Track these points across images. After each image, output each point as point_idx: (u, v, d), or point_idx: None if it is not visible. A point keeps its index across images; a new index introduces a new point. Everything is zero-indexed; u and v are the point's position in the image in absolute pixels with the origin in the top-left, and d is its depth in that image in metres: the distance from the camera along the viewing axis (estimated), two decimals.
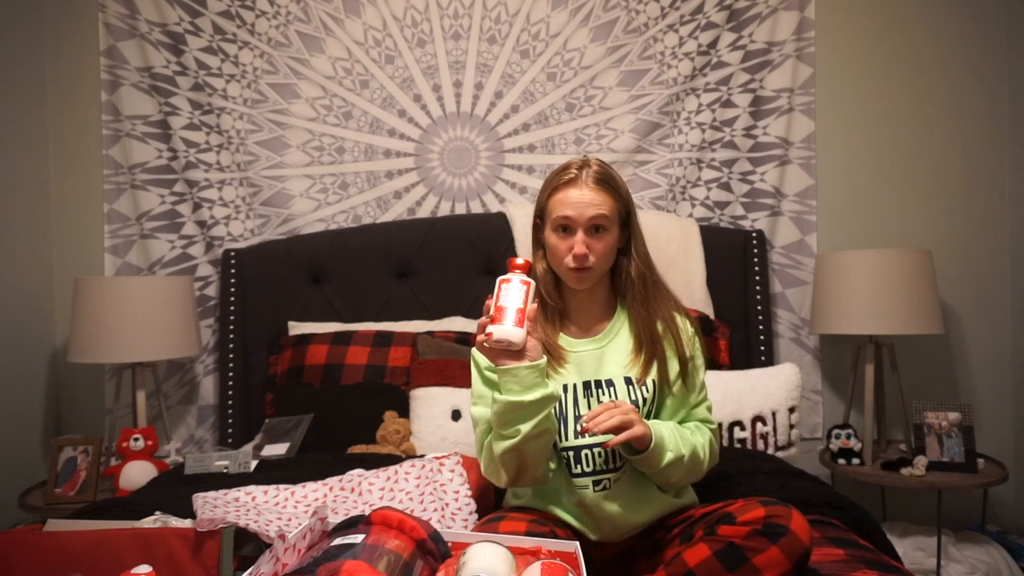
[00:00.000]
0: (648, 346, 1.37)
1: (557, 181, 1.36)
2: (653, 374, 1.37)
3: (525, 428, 1.24)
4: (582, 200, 1.32)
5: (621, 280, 1.41)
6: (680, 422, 1.41)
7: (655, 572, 1.27)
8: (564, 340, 1.40)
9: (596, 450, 1.34)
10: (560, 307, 1.42)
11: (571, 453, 1.35)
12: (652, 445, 1.26)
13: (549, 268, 1.41)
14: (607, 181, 1.35)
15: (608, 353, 1.39)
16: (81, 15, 2.57)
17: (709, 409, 1.45)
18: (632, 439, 1.23)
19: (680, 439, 1.32)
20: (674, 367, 1.39)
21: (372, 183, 2.62)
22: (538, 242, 1.43)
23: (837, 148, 2.61)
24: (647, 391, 1.37)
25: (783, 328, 2.61)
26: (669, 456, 1.29)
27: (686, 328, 1.42)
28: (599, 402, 1.36)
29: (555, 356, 1.37)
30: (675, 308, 1.43)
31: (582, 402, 1.36)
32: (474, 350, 1.42)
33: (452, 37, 2.61)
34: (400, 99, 2.61)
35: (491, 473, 1.36)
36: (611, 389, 1.37)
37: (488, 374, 1.38)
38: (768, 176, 2.60)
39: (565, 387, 1.37)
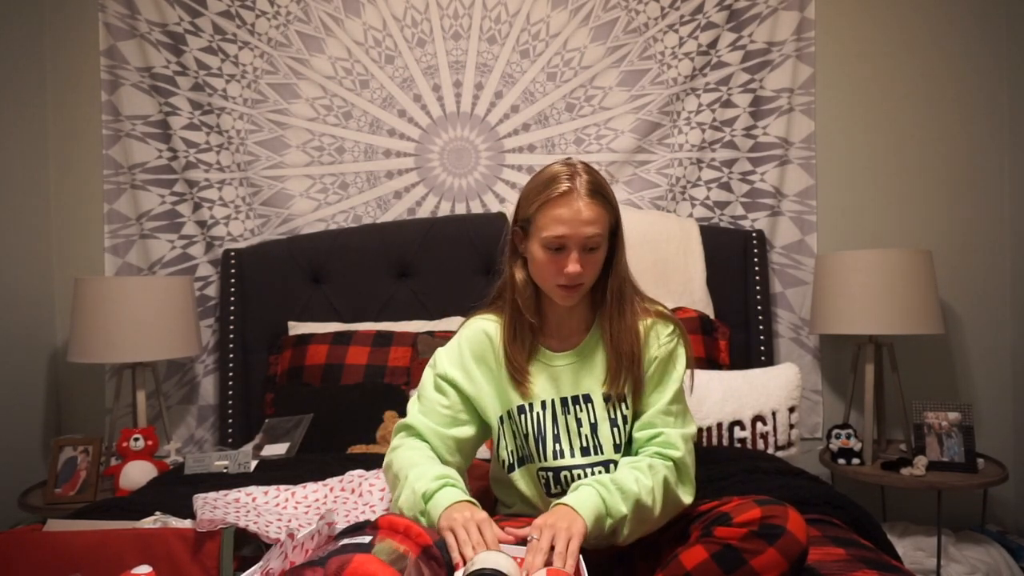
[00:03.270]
0: (620, 360, 1.31)
1: (549, 194, 1.25)
2: (629, 388, 1.32)
3: None
4: (579, 218, 1.23)
5: (600, 293, 1.34)
6: (649, 440, 1.31)
7: (653, 574, 1.26)
8: (541, 353, 1.35)
9: (576, 471, 1.30)
10: (538, 322, 1.35)
11: (550, 474, 1.32)
12: (590, 528, 1.13)
13: (530, 280, 1.33)
14: (601, 192, 1.27)
15: (585, 367, 1.34)
16: (81, 15, 2.57)
17: (685, 438, 1.30)
18: (577, 545, 1.10)
19: (621, 496, 1.19)
20: (649, 380, 1.32)
21: (372, 183, 2.62)
22: (515, 250, 1.35)
23: (837, 148, 2.61)
24: (626, 407, 1.32)
25: (783, 328, 2.61)
26: (610, 522, 1.18)
27: (660, 335, 1.34)
28: (576, 419, 1.32)
29: (522, 378, 1.32)
30: (656, 315, 1.36)
31: (560, 419, 1.32)
32: (440, 351, 1.39)
33: (452, 37, 2.61)
34: (400, 99, 2.61)
35: (389, 485, 1.34)
36: (588, 405, 1.32)
37: (440, 381, 1.36)
38: (768, 176, 2.60)
39: (543, 403, 1.32)
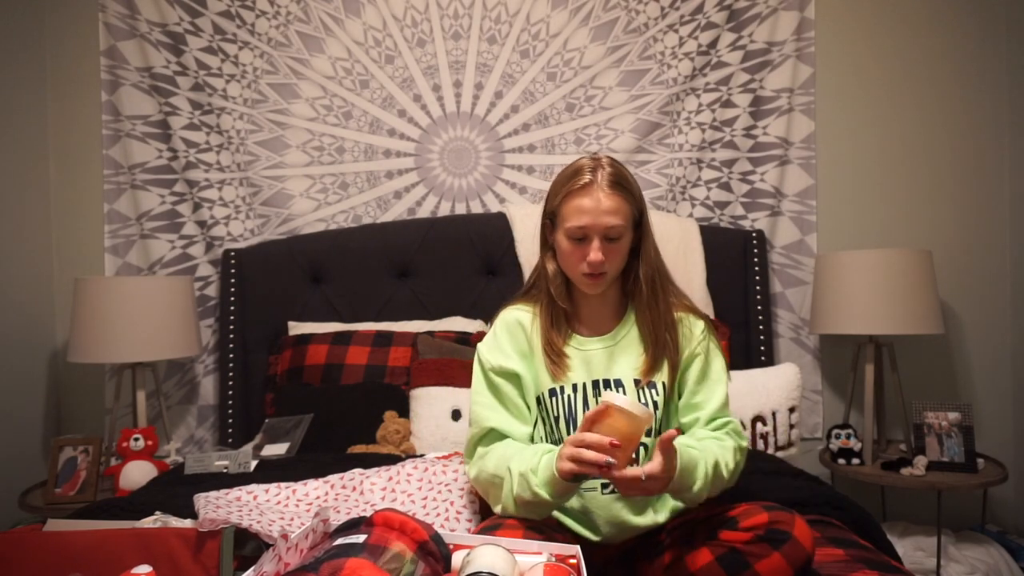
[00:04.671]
0: (656, 347, 1.35)
1: (571, 186, 1.31)
2: (662, 376, 1.35)
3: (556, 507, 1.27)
4: (598, 208, 1.29)
5: (631, 282, 1.39)
6: (722, 427, 1.35)
7: (656, 575, 1.26)
8: (574, 339, 1.39)
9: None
10: (571, 309, 1.40)
11: None
12: (676, 476, 1.15)
13: (560, 270, 1.39)
14: (622, 184, 1.32)
15: (618, 352, 1.37)
16: (81, 15, 2.57)
17: (737, 432, 1.35)
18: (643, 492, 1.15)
19: (708, 474, 1.22)
20: (684, 368, 1.37)
21: (372, 183, 2.62)
22: (546, 242, 1.41)
23: (837, 148, 2.61)
24: (656, 393, 1.35)
25: (783, 328, 2.61)
26: (696, 487, 1.20)
27: (693, 330, 1.39)
28: None
29: (560, 361, 1.36)
30: (685, 309, 1.41)
31: (591, 402, 1.34)
32: (480, 346, 1.42)
33: (452, 37, 2.61)
34: (400, 99, 2.61)
35: (489, 501, 1.35)
36: (620, 390, 1.35)
37: (493, 376, 1.37)
38: (768, 176, 2.60)
39: (575, 387, 1.35)
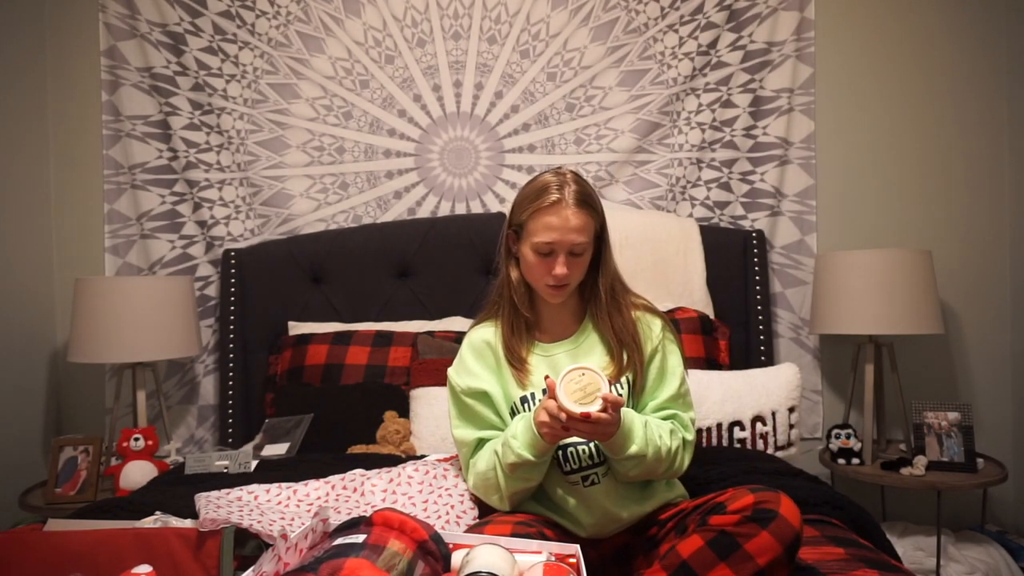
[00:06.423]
0: (620, 348, 1.41)
1: (540, 203, 1.36)
2: (627, 374, 1.41)
3: (542, 470, 1.35)
4: (566, 226, 1.34)
5: (589, 290, 1.45)
6: (665, 420, 1.43)
7: (651, 567, 1.27)
8: (538, 347, 1.45)
9: (581, 447, 1.38)
10: (532, 317, 1.46)
11: (559, 452, 1.38)
12: (616, 434, 1.28)
13: (523, 278, 1.44)
14: (587, 201, 1.37)
15: (581, 355, 1.43)
16: (81, 15, 2.57)
17: (692, 422, 1.45)
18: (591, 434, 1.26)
19: (648, 438, 1.32)
20: (648, 364, 1.43)
21: (372, 183, 2.63)
22: (509, 251, 1.46)
23: (837, 148, 2.61)
24: (620, 389, 1.40)
25: (783, 328, 2.61)
26: (633, 448, 1.30)
27: (652, 327, 1.45)
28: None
29: (522, 367, 1.41)
30: (642, 308, 1.47)
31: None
32: (450, 371, 1.48)
33: (452, 37, 2.61)
34: (400, 99, 2.62)
35: (492, 501, 1.41)
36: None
37: (466, 399, 1.44)
38: (768, 176, 2.60)
39: (544, 391, 1.39)
